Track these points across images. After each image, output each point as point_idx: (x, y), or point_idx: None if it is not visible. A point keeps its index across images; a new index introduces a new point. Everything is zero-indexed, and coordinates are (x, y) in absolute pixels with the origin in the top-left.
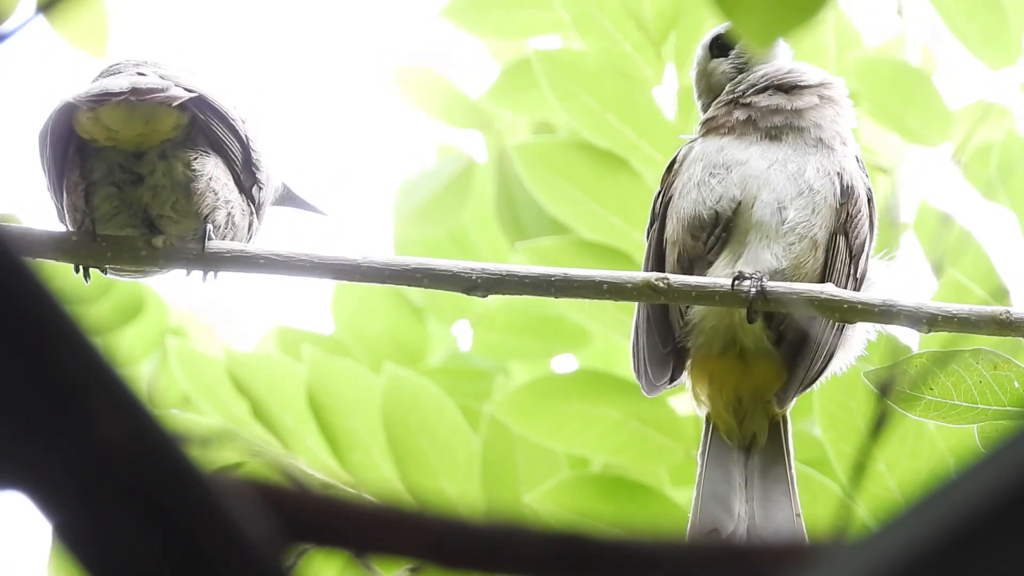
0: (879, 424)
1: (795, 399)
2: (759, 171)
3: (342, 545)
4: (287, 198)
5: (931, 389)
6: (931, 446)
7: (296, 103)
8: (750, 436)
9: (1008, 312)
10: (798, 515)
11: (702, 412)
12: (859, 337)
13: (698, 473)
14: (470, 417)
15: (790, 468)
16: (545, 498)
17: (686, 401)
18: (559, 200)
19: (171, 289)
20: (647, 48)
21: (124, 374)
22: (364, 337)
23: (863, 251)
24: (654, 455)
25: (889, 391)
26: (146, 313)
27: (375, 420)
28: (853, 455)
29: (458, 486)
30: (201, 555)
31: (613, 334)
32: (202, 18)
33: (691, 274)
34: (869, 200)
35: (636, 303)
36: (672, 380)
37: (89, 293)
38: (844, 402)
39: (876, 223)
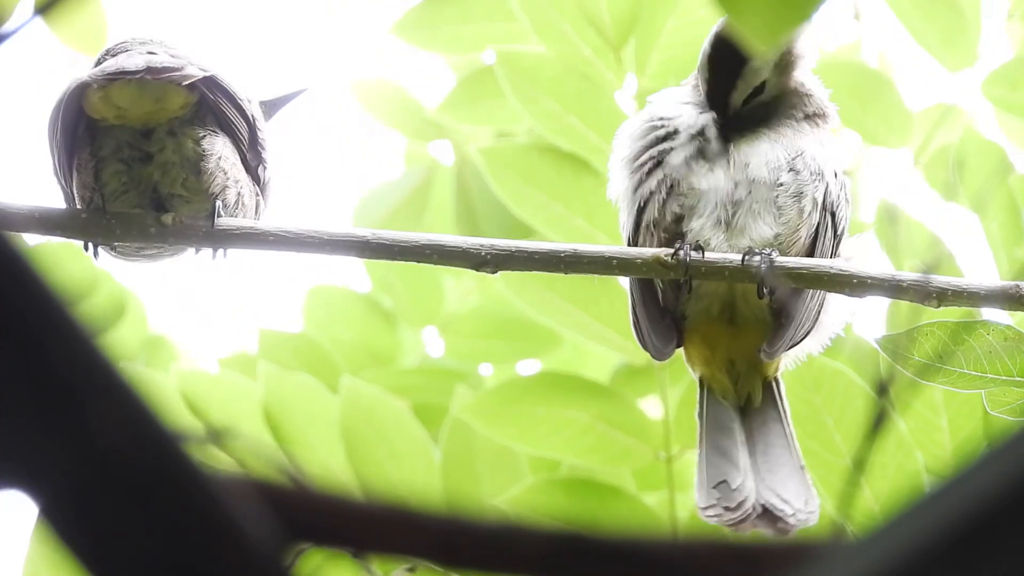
0: (878, 423)
1: (783, 354)
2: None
3: (342, 544)
4: (270, 110)
5: (940, 357)
6: (902, 446)
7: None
8: (745, 396)
9: (1019, 286)
10: (802, 467)
11: (696, 375)
12: (830, 323)
13: (698, 433)
14: (443, 416)
15: (788, 425)
16: (511, 503)
17: (655, 404)
18: (523, 203)
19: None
20: (607, 53)
21: (123, 372)
22: (335, 342)
23: (844, 230)
24: (622, 457)
25: (887, 391)
26: (126, 319)
27: (333, 434)
28: (820, 451)
29: (419, 497)
30: (201, 554)
31: (580, 338)
32: (161, 31)
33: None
34: (844, 175)
35: (627, 281)
36: (679, 345)
37: (73, 293)
38: (808, 398)
39: (850, 199)
